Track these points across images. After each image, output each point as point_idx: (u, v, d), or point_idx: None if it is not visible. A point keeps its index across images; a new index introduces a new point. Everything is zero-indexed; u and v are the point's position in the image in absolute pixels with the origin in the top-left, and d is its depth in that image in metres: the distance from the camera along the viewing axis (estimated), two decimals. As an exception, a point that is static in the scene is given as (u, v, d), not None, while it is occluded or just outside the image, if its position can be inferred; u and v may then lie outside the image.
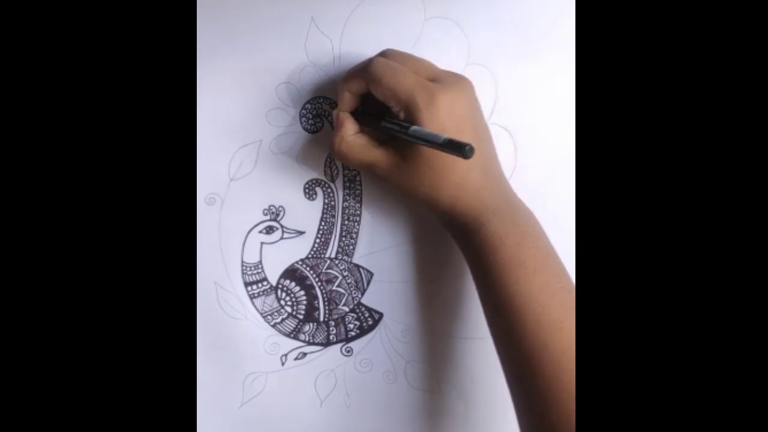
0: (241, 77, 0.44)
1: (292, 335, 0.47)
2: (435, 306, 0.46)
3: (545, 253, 0.38)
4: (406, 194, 0.41)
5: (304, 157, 0.45)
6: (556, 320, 0.35)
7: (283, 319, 0.47)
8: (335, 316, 0.47)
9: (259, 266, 0.46)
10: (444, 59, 0.42)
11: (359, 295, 0.47)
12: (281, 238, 0.46)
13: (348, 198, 0.46)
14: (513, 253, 0.37)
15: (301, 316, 0.47)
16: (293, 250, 0.46)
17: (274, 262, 0.46)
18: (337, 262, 0.46)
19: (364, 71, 0.39)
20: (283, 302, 0.47)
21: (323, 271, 0.47)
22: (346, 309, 0.47)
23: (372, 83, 0.38)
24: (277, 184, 0.45)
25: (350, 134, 0.40)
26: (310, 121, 0.45)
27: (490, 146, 0.40)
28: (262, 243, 0.46)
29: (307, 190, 0.46)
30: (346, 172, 0.45)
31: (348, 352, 0.47)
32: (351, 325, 0.47)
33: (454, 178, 0.38)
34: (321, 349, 0.47)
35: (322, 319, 0.47)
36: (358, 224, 0.46)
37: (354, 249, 0.46)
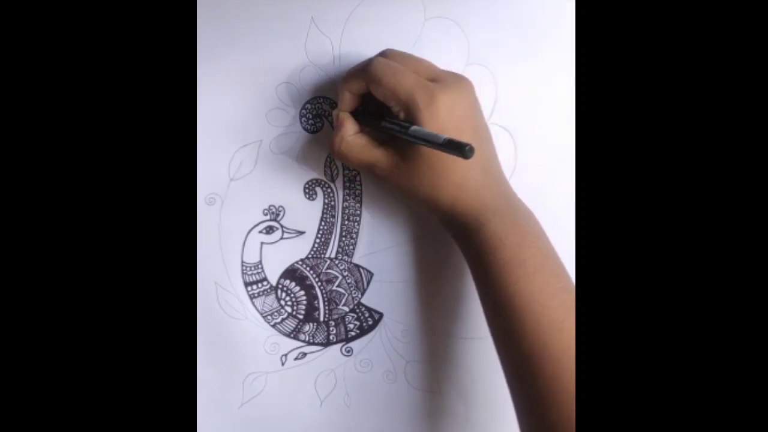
0: (241, 77, 0.44)
1: (292, 335, 0.47)
2: (435, 306, 0.46)
3: (545, 253, 0.38)
4: (406, 194, 0.41)
5: (304, 157, 0.45)
6: (556, 320, 0.35)
7: (283, 319, 0.47)
8: (335, 316, 0.47)
9: (259, 266, 0.46)
10: (444, 59, 0.42)
11: (359, 295, 0.47)
12: (281, 238, 0.46)
13: (348, 198, 0.46)
14: (513, 253, 0.37)
15: (301, 316, 0.47)
16: (293, 250, 0.46)
17: (274, 262, 0.46)
18: (337, 262, 0.46)
19: (364, 71, 0.39)
20: (283, 302, 0.47)
21: (323, 271, 0.47)
22: (346, 309, 0.47)
23: (372, 83, 0.38)
24: (277, 184, 0.45)
25: (350, 134, 0.40)
26: (310, 121, 0.45)
27: (490, 146, 0.40)
28: (262, 243, 0.46)
29: (307, 190, 0.46)
30: (346, 172, 0.45)
31: (348, 352, 0.47)
32: (351, 325, 0.47)
33: (453, 178, 0.38)
34: (321, 349, 0.47)
35: (322, 319, 0.47)
36: (358, 224, 0.46)
37: (354, 249, 0.46)
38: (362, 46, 0.43)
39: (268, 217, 0.46)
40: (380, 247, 0.46)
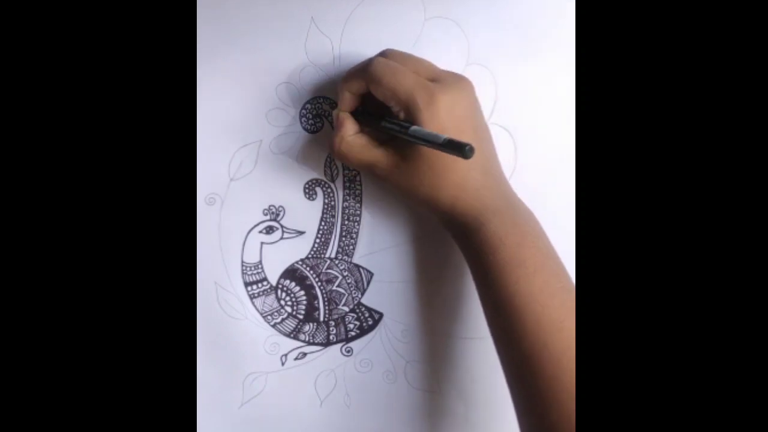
0: (241, 77, 0.44)
1: (292, 335, 0.47)
2: (435, 306, 0.46)
3: (545, 253, 0.38)
4: (406, 194, 0.41)
5: (304, 157, 0.45)
6: (556, 320, 0.35)
7: (283, 319, 0.47)
8: (335, 316, 0.47)
9: (259, 266, 0.46)
10: (444, 59, 0.42)
11: (359, 295, 0.47)
12: (281, 238, 0.46)
13: (348, 198, 0.46)
14: (513, 253, 0.37)
15: (301, 316, 0.47)
16: (293, 250, 0.46)
17: (274, 262, 0.46)
18: (337, 262, 0.46)
19: (364, 71, 0.39)
20: (283, 302, 0.47)
21: (323, 271, 0.47)
22: (346, 309, 0.47)
23: (372, 83, 0.38)
24: (277, 184, 0.45)
25: (350, 134, 0.40)
26: (310, 121, 0.45)
27: (490, 146, 0.40)
28: (262, 243, 0.46)
29: (307, 190, 0.46)
30: (346, 172, 0.45)
31: (348, 352, 0.47)
32: (351, 325, 0.47)
33: (454, 178, 0.38)
34: (321, 349, 0.47)
35: (322, 319, 0.47)
36: (358, 224, 0.46)
37: (354, 249, 0.46)
38: (362, 46, 0.43)
39: (268, 217, 0.46)
40: (380, 247, 0.46)
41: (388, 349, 0.47)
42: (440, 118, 0.37)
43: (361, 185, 0.46)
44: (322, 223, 0.46)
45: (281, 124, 0.45)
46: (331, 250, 0.46)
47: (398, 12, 0.43)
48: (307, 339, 0.47)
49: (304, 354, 0.47)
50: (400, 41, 0.43)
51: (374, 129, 0.40)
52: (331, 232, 0.46)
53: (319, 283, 0.47)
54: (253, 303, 0.47)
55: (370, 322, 0.47)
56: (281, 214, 0.46)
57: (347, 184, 0.46)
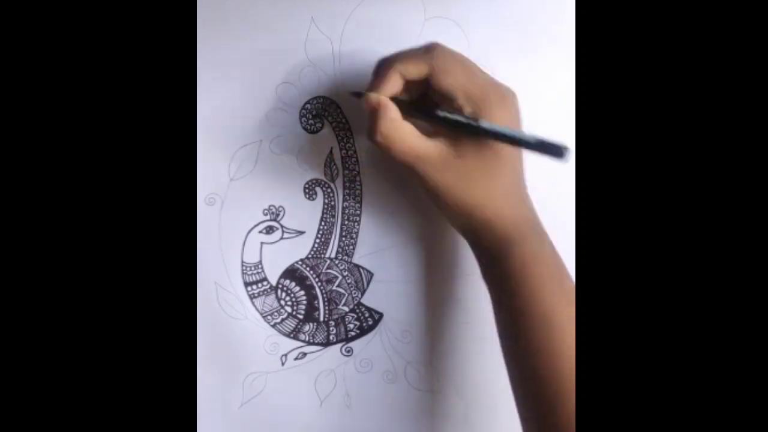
0: (241, 77, 0.44)
1: (292, 335, 0.47)
2: (435, 306, 0.46)
3: (562, 272, 0.38)
4: (447, 195, 0.37)
5: (304, 157, 0.45)
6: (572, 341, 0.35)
7: (283, 319, 0.47)
8: (335, 316, 0.47)
9: (259, 266, 0.46)
10: (444, 59, 0.42)
11: (359, 295, 0.47)
12: (281, 238, 0.46)
13: (348, 198, 0.46)
14: (547, 269, 0.37)
15: (301, 316, 0.47)
16: (293, 250, 0.46)
17: (274, 262, 0.46)
18: (337, 262, 0.46)
19: (428, 57, 0.36)
20: (283, 302, 0.47)
21: (323, 271, 0.47)
22: (346, 309, 0.47)
23: (441, 72, 0.35)
24: (277, 184, 0.45)
25: (398, 118, 0.36)
26: (310, 121, 0.45)
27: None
28: (262, 243, 0.46)
29: (307, 190, 0.46)
30: (346, 172, 0.45)
31: (348, 352, 0.47)
32: (351, 325, 0.47)
33: (504, 183, 0.37)
34: (321, 349, 0.47)
35: (322, 319, 0.47)
36: (358, 224, 0.46)
37: (354, 249, 0.46)
38: (362, 46, 0.43)
39: (268, 217, 0.46)
40: (380, 247, 0.46)
41: (388, 349, 0.47)
42: (511, 121, 0.36)
43: (361, 185, 0.46)
44: (322, 223, 0.46)
45: (281, 124, 0.45)
46: (331, 250, 0.46)
47: (398, 12, 0.43)
48: (307, 339, 0.47)
49: (304, 354, 0.47)
50: (400, 41, 0.43)
51: (417, 120, 0.37)
52: (331, 232, 0.46)
53: (319, 283, 0.47)
54: (253, 303, 0.47)
55: (370, 322, 0.47)
56: (281, 214, 0.46)
57: (347, 184, 0.46)
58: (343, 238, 0.46)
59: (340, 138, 0.45)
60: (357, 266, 0.46)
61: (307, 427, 0.48)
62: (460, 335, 0.46)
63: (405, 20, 0.43)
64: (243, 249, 0.46)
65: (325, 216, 0.46)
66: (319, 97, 0.44)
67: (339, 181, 0.45)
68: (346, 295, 0.47)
